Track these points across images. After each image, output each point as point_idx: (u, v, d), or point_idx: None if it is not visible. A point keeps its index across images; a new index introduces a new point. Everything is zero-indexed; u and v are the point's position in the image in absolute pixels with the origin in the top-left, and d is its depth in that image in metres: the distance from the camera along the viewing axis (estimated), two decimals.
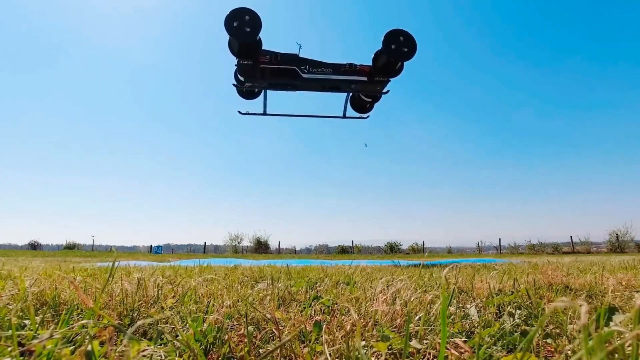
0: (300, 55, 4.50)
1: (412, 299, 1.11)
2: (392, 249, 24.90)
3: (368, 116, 4.71)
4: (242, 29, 4.00)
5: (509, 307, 1.13)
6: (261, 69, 4.37)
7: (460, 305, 1.22)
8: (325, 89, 4.63)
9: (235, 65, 4.27)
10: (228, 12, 4.13)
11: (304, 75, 4.35)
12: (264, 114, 4.42)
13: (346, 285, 1.79)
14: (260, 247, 24.75)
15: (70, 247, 27.94)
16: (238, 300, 1.20)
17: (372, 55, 4.79)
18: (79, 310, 1.07)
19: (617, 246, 20.66)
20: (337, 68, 4.54)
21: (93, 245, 31.11)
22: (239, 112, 4.45)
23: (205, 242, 27.59)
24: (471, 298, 1.36)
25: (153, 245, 27.90)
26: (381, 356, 0.74)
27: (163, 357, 0.71)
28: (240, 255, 18.20)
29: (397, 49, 4.28)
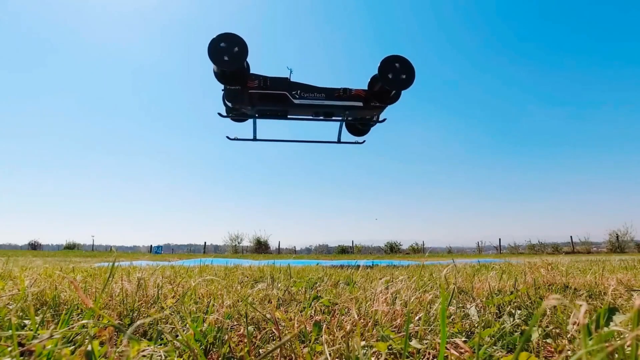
0: (292, 80, 4.31)
1: (412, 299, 1.11)
2: (392, 249, 24.91)
3: (364, 141, 4.51)
4: (228, 56, 3.83)
5: (509, 307, 1.13)
6: (250, 94, 4.18)
7: (460, 305, 1.22)
8: (319, 115, 4.41)
9: (222, 90, 4.07)
10: (210, 40, 3.94)
11: (296, 101, 4.14)
12: (254, 139, 4.23)
13: (346, 285, 1.79)
14: (260, 247, 24.75)
15: (70, 247, 27.94)
16: (238, 300, 1.20)
17: (369, 79, 4.57)
18: (79, 310, 1.07)
19: (617, 246, 20.67)
20: (330, 93, 4.33)
21: (93, 245, 31.11)
22: (228, 137, 4.25)
23: (205, 242, 27.60)
24: (471, 298, 1.36)
25: (153, 245, 27.90)
26: (381, 356, 0.74)
27: (163, 357, 0.71)
28: (240, 255, 18.20)
29: (394, 77, 4.07)
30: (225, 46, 3.90)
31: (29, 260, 5.60)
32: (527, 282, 1.71)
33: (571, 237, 22.81)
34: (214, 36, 3.88)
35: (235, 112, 4.37)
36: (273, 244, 25.58)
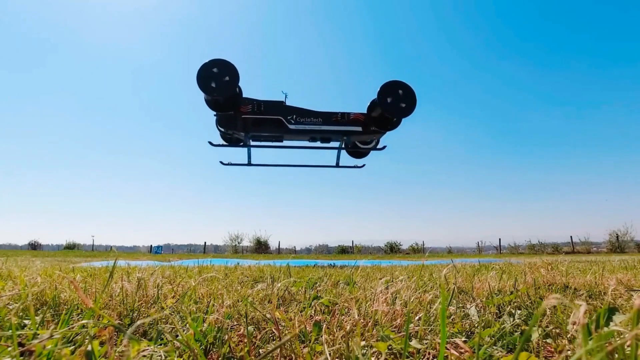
0: (287, 104, 4.11)
1: (412, 299, 1.11)
2: (392, 249, 24.90)
3: (364, 165, 4.32)
4: (218, 84, 3.64)
5: (509, 307, 1.13)
6: (243, 119, 3.99)
7: (460, 305, 1.22)
8: (315, 140, 4.23)
9: (215, 115, 3.86)
10: (199, 68, 3.75)
11: (291, 126, 3.95)
12: (249, 164, 4.08)
13: (346, 285, 1.79)
14: (260, 247, 24.75)
15: (70, 247, 27.95)
16: (238, 300, 1.20)
17: (368, 103, 4.38)
18: (79, 310, 1.07)
19: (617, 246, 20.67)
20: (327, 117, 4.13)
21: (93, 245, 31.11)
22: (221, 162, 4.10)
23: (205, 242, 27.60)
24: (471, 298, 1.36)
25: (153, 245, 27.90)
26: (381, 356, 0.74)
27: (163, 357, 0.71)
28: (240, 255, 18.20)
29: (394, 104, 3.89)
30: (215, 73, 3.72)
31: (29, 260, 5.60)
32: (527, 282, 1.71)
33: (571, 237, 22.83)
34: (203, 63, 3.68)
35: (229, 137, 4.19)
36: (273, 244, 25.59)
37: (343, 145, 4.34)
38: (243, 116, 3.96)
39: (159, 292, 1.26)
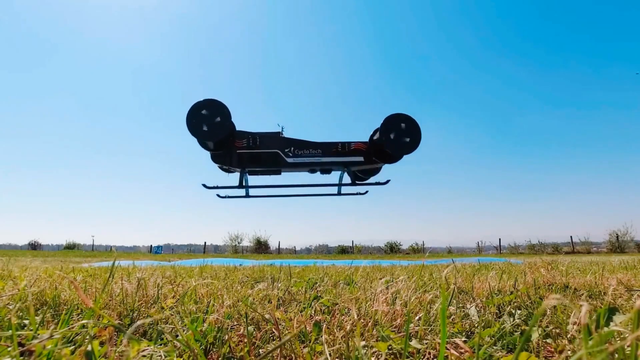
0: (284, 135, 4.00)
1: (412, 299, 1.11)
2: (392, 249, 24.91)
3: (366, 192, 4.22)
4: (209, 127, 3.54)
5: (509, 307, 1.13)
6: (238, 154, 3.88)
7: (460, 305, 1.22)
8: (315, 171, 4.13)
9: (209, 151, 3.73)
10: (188, 111, 3.65)
11: (289, 160, 3.81)
12: (247, 196, 3.96)
13: (346, 285, 1.79)
14: (260, 247, 24.75)
15: (70, 247, 27.95)
16: (238, 301, 1.20)
17: (371, 132, 4.22)
18: (79, 310, 1.07)
19: (617, 246, 20.67)
20: (327, 148, 3.99)
21: (93, 245, 31.12)
22: (218, 195, 4.01)
23: (205, 242, 27.60)
24: (471, 298, 1.36)
25: (153, 245, 27.91)
26: (381, 356, 0.74)
27: (163, 357, 0.71)
28: (240, 255, 18.21)
29: (397, 139, 3.76)
30: (205, 115, 3.59)
31: (29, 260, 5.60)
32: (527, 282, 1.71)
33: (571, 237, 22.84)
34: (191, 106, 3.56)
35: (226, 169, 4.08)
36: (273, 244, 25.59)
37: (344, 175, 4.20)
38: (238, 151, 3.83)
39: (159, 292, 1.26)
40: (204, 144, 3.66)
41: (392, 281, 1.60)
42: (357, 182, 4.15)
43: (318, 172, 4.11)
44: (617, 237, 21.17)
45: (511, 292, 1.39)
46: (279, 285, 1.73)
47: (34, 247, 29.19)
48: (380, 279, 1.80)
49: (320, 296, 1.33)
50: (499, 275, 2.08)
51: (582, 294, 1.47)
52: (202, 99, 3.50)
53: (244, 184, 3.98)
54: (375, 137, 3.91)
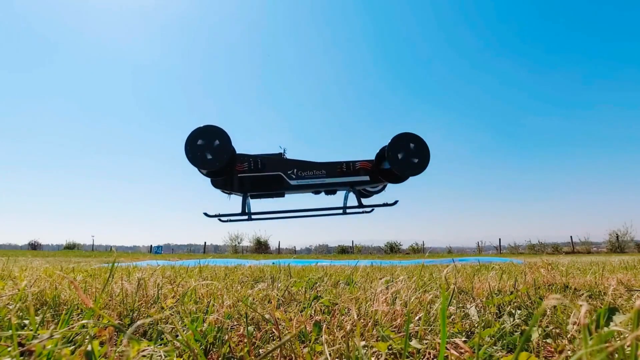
0: (286, 157, 3.90)
1: (412, 299, 1.11)
2: (392, 249, 24.90)
3: (372, 210, 4.12)
4: (209, 156, 3.44)
5: (509, 307, 1.13)
6: (240, 179, 3.80)
7: (460, 305, 1.22)
8: (319, 192, 4.06)
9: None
10: (186, 140, 3.55)
11: (292, 182, 3.69)
12: (249, 219, 3.88)
13: (346, 285, 1.79)
14: (260, 247, 24.75)
15: (70, 247, 27.96)
16: (238, 301, 1.20)
17: (377, 151, 4.12)
18: (79, 310, 1.07)
19: (617, 246, 20.67)
20: (332, 169, 3.87)
21: (93, 245, 31.13)
22: (220, 219, 3.93)
23: (205, 242, 27.60)
24: (471, 298, 1.36)
25: (153, 245, 27.90)
26: (381, 356, 0.74)
27: (163, 357, 0.71)
28: (240, 255, 18.20)
29: (405, 159, 3.65)
30: (203, 144, 3.49)
31: (29, 260, 5.60)
32: (527, 282, 1.71)
33: (571, 237, 22.84)
34: (189, 134, 3.46)
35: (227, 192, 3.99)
36: (273, 244, 25.59)
37: (349, 195, 4.10)
38: (239, 175, 3.74)
39: (159, 292, 1.26)
40: (204, 173, 3.53)
41: (392, 281, 1.60)
42: (363, 204, 4.01)
43: (322, 193, 4.02)
44: (617, 237, 21.17)
45: (511, 292, 1.39)
46: (279, 285, 1.73)
47: (34, 247, 29.18)
48: (380, 279, 1.80)
49: (320, 296, 1.33)
50: (499, 275, 2.08)
51: (582, 294, 1.47)
52: (199, 126, 3.37)
53: (246, 210, 3.86)
54: (381, 156, 3.83)
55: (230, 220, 3.80)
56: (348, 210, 3.86)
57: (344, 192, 3.94)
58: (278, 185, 3.57)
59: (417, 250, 24.36)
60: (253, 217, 3.71)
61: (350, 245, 25.96)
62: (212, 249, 27.76)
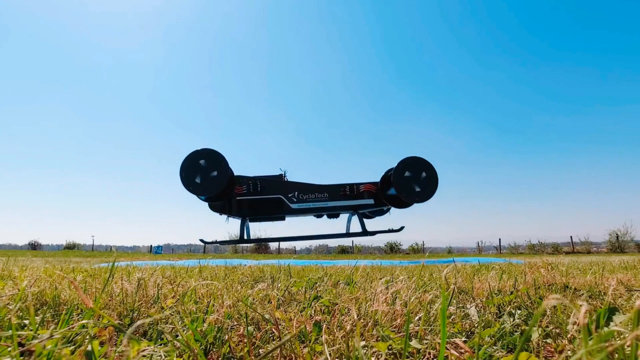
0: (287, 179, 3.72)
1: (412, 299, 1.11)
2: (392, 249, 24.90)
3: (375, 233, 3.98)
4: (205, 182, 3.25)
5: (509, 307, 1.13)
6: (238, 202, 3.61)
7: (460, 305, 1.22)
8: (321, 216, 3.89)
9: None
10: (181, 165, 3.32)
11: (293, 206, 3.52)
12: (247, 240, 3.73)
13: (346, 285, 1.79)
14: (260, 247, 24.77)
15: (70, 247, 27.96)
16: (238, 301, 1.20)
17: (382, 174, 3.92)
18: (79, 310, 1.07)
19: (617, 246, 20.68)
20: (334, 192, 3.66)
21: (93, 245, 31.13)
22: (218, 242, 3.82)
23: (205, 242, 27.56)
24: (471, 298, 1.36)
25: (153, 245, 27.91)
26: (381, 356, 0.74)
27: (163, 357, 0.71)
28: (240, 255, 18.20)
29: (411, 187, 3.44)
30: (200, 168, 3.26)
31: (29, 260, 5.60)
32: (527, 282, 1.71)
33: (571, 237, 22.86)
34: (183, 159, 3.23)
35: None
36: (273, 244, 25.58)
37: (352, 217, 3.94)
38: (238, 198, 3.57)
39: (159, 292, 1.26)
40: (201, 198, 3.37)
41: (392, 281, 1.60)
42: (367, 231, 3.84)
43: (324, 216, 3.87)
44: (617, 237, 21.17)
45: (511, 292, 1.39)
46: (279, 285, 1.73)
47: (34, 247, 29.19)
48: (380, 279, 1.80)
49: (320, 296, 1.33)
50: (499, 275, 2.08)
51: (582, 294, 1.47)
52: (194, 151, 3.16)
53: (244, 235, 3.70)
54: (387, 179, 3.65)
55: (230, 242, 3.65)
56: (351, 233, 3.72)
57: (347, 214, 3.79)
58: (278, 209, 3.40)
59: (417, 250, 24.36)
60: (252, 241, 3.58)
61: (350, 245, 25.96)
62: (212, 249, 27.76)
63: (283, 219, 3.64)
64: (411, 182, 3.31)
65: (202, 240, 3.56)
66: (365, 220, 3.91)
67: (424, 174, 3.31)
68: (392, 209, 3.94)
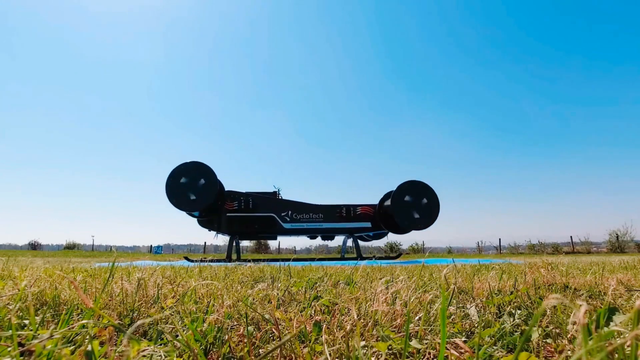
0: (281, 197, 3.51)
1: (412, 299, 1.11)
2: (392, 249, 24.90)
3: (374, 257, 3.82)
4: (193, 197, 3.03)
5: (509, 307, 1.13)
6: (228, 218, 3.41)
7: (460, 305, 1.22)
8: (315, 237, 3.68)
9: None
10: (166, 180, 3.06)
11: (286, 225, 3.38)
12: (238, 259, 3.55)
13: (346, 285, 1.79)
14: (260, 247, 24.77)
15: (70, 247, 27.97)
16: (238, 301, 1.20)
17: (381, 197, 3.66)
18: (79, 310, 1.07)
19: (617, 246, 20.68)
20: (330, 213, 3.47)
21: (93, 245, 31.14)
22: (201, 261, 3.65)
23: (205, 242, 27.60)
24: (471, 298, 1.36)
25: (153, 245, 27.91)
26: (381, 356, 0.74)
27: (163, 357, 0.71)
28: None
29: (410, 215, 3.22)
30: (186, 182, 3.02)
31: (29, 260, 5.60)
32: (527, 282, 1.70)
33: (571, 237, 22.87)
34: (169, 174, 3.00)
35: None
36: (273, 244, 25.60)
37: (348, 240, 3.76)
38: (228, 214, 3.38)
39: (159, 292, 1.26)
40: (190, 214, 3.19)
41: (392, 281, 1.60)
42: (363, 257, 3.68)
43: (319, 237, 3.67)
44: (617, 237, 21.18)
45: (511, 292, 1.39)
46: (279, 285, 1.73)
47: (34, 247, 29.20)
48: (380, 279, 1.80)
49: (320, 296, 1.33)
50: (499, 275, 2.08)
51: (582, 294, 1.47)
52: (180, 164, 2.94)
53: (232, 254, 3.53)
54: (385, 203, 3.41)
55: (214, 261, 3.52)
56: (346, 257, 3.56)
57: (343, 236, 3.62)
58: (270, 228, 3.24)
59: (417, 250, 24.37)
60: (242, 260, 3.42)
61: (350, 245, 25.97)
62: (212, 249, 27.77)
63: (275, 238, 3.48)
64: (411, 207, 3.11)
65: (186, 258, 3.42)
66: (361, 242, 3.67)
67: (424, 200, 3.11)
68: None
